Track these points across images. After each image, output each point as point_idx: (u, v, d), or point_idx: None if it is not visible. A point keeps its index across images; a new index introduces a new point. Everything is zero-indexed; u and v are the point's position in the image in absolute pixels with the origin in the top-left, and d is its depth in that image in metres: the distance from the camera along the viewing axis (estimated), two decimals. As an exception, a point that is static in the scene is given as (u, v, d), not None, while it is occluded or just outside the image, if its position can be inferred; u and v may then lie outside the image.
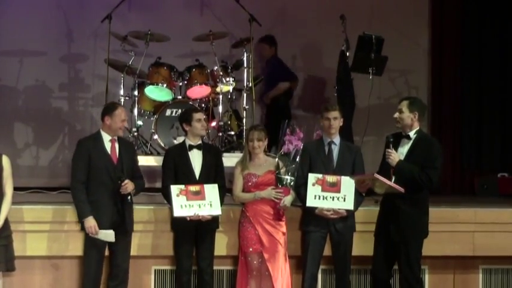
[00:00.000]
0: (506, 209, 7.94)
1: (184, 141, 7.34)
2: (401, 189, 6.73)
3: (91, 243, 6.99)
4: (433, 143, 6.99)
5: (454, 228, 7.55)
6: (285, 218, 7.25)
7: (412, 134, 6.95)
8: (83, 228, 7.05)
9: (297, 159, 7.13)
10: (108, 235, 6.92)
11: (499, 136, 10.97)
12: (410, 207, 6.86)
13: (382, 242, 7.05)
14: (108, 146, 7.03)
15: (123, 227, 7.02)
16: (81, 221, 6.93)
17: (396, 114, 6.98)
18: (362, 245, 7.43)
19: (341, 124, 7.25)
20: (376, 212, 7.58)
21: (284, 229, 7.22)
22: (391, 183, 6.66)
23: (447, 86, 10.99)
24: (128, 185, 6.94)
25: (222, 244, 7.42)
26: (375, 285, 7.22)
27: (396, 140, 6.98)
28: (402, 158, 6.89)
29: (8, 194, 6.76)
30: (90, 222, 6.87)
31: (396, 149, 6.92)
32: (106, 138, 7.05)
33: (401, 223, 6.87)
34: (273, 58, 10.16)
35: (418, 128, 6.99)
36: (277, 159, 7.20)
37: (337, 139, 7.24)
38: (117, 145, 7.06)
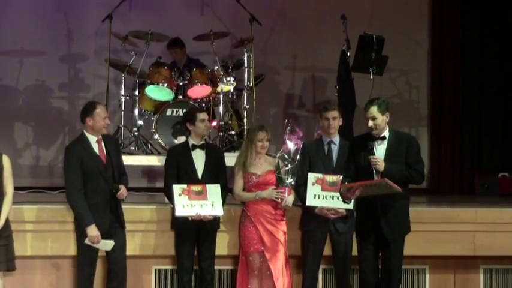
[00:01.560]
0: (507, 209, 7.93)
1: (187, 141, 7.34)
2: (400, 189, 6.65)
3: (84, 244, 6.94)
4: (411, 139, 6.93)
5: (454, 228, 7.55)
6: (285, 218, 7.26)
7: (386, 133, 6.78)
8: (77, 231, 7.01)
9: (296, 158, 7.13)
10: (107, 244, 6.86)
11: (499, 136, 10.98)
12: (399, 203, 6.73)
13: (370, 245, 6.84)
14: (95, 147, 6.93)
15: (119, 224, 6.99)
16: (83, 229, 6.82)
17: (370, 123, 6.71)
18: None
19: (340, 124, 7.24)
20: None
21: (285, 228, 7.22)
22: (395, 185, 6.59)
23: (447, 86, 11.00)
24: (123, 192, 6.91)
25: (223, 244, 7.41)
26: (368, 284, 6.97)
27: (368, 143, 6.76)
28: (382, 158, 6.74)
29: (8, 194, 6.74)
30: (94, 231, 6.78)
31: (365, 151, 6.74)
32: (92, 139, 6.93)
33: (393, 220, 6.73)
34: (188, 60, 9.92)
35: (388, 127, 6.82)
36: (277, 159, 7.20)
37: (336, 139, 7.24)
38: (103, 144, 6.97)
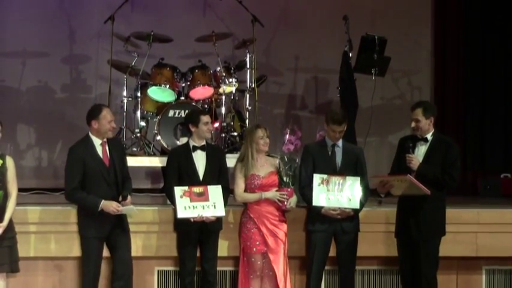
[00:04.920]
0: (509, 210, 7.92)
1: (188, 142, 7.33)
2: (428, 192, 6.82)
3: (89, 244, 6.95)
4: (451, 144, 7.06)
5: (457, 229, 7.54)
6: (286, 218, 7.25)
7: (429, 136, 7.02)
8: (79, 231, 7.02)
9: (297, 159, 7.15)
10: (129, 209, 6.87)
11: (502, 136, 10.96)
12: (431, 205, 6.92)
13: (403, 242, 7.09)
14: (99, 150, 6.92)
15: (122, 227, 6.99)
16: (98, 211, 6.78)
17: (413, 124, 7.01)
18: (365, 246, 7.43)
19: (345, 129, 7.24)
20: (380, 212, 7.63)
21: (285, 229, 7.21)
22: (421, 186, 6.76)
23: (450, 87, 10.98)
24: (128, 202, 6.93)
25: (224, 245, 7.41)
26: (405, 285, 7.20)
27: (412, 143, 7.03)
28: (420, 159, 6.95)
29: (13, 195, 6.71)
30: (108, 206, 6.77)
31: (412, 152, 6.98)
32: (97, 142, 6.92)
33: (421, 221, 6.93)
34: None
35: (433, 130, 7.04)
36: (278, 159, 7.20)
37: (340, 141, 7.23)
38: (107, 148, 6.96)
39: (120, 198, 6.92)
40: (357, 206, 7.03)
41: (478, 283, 7.93)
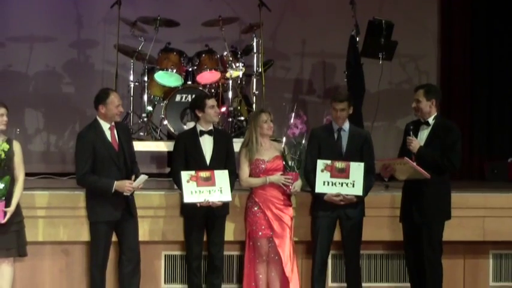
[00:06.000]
0: (517, 194, 7.94)
1: (195, 127, 7.32)
2: (428, 175, 6.81)
3: (97, 230, 6.96)
4: (452, 128, 7.04)
5: (463, 214, 7.55)
6: (292, 203, 7.26)
7: (430, 120, 7.00)
8: (88, 216, 7.02)
9: (303, 143, 7.16)
10: (141, 180, 6.86)
11: (509, 120, 10.95)
12: (432, 190, 6.91)
13: (407, 226, 7.10)
14: (108, 134, 6.92)
15: (130, 212, 7.00)
16: (112, 193, 6.77)
17: (414, 104, 7.01)
18: (371, 230, 7.44)
19: (350, 112, 7.22)
20: (386, 197, 7.64)
21: (291, 213, 7.22)
22: (419, 169, 6.77)
23: (457, 71, 10.96)
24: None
25: (230, 229, 7.43)
26: (410, 269, 7.23)
27: (415, 127, 7.03)
28: (422, 143, 6.94)
29: (20, 180, 6.72)
30: (121, 184, 6.78)
31: (415, 136, 6.98)
32: (105, 126, 6.92)
33: (423, 206, 6.93)
34: None
35: (436, 114, 7.02)
36: (283, 144, 7.21)
37: (346, 125, 7.21)
38: (115, 132, 6.96)
39: (133, 178, 6.92)
40: (360, 192, 7.02)
41: (485, 267, 7.94)
